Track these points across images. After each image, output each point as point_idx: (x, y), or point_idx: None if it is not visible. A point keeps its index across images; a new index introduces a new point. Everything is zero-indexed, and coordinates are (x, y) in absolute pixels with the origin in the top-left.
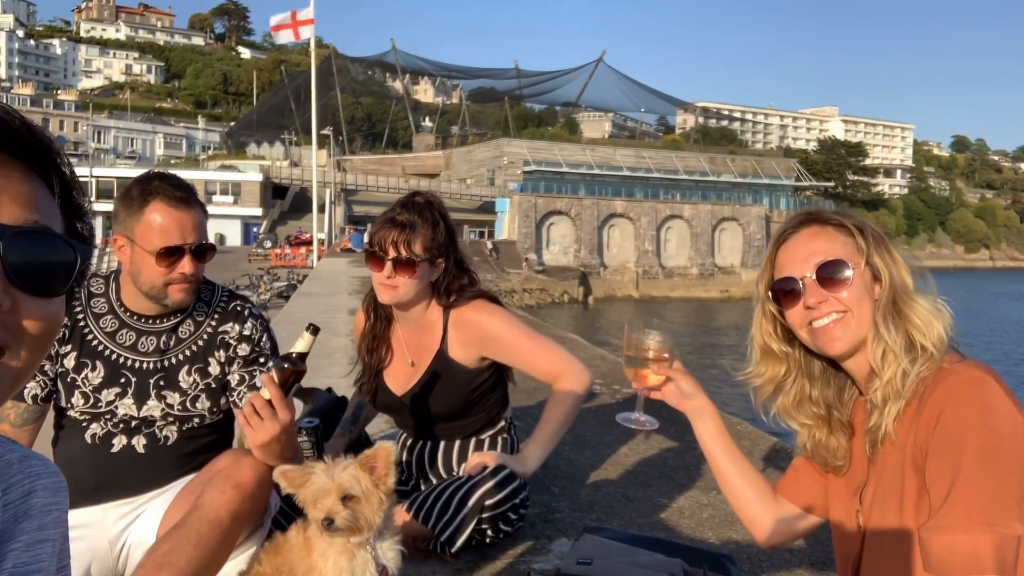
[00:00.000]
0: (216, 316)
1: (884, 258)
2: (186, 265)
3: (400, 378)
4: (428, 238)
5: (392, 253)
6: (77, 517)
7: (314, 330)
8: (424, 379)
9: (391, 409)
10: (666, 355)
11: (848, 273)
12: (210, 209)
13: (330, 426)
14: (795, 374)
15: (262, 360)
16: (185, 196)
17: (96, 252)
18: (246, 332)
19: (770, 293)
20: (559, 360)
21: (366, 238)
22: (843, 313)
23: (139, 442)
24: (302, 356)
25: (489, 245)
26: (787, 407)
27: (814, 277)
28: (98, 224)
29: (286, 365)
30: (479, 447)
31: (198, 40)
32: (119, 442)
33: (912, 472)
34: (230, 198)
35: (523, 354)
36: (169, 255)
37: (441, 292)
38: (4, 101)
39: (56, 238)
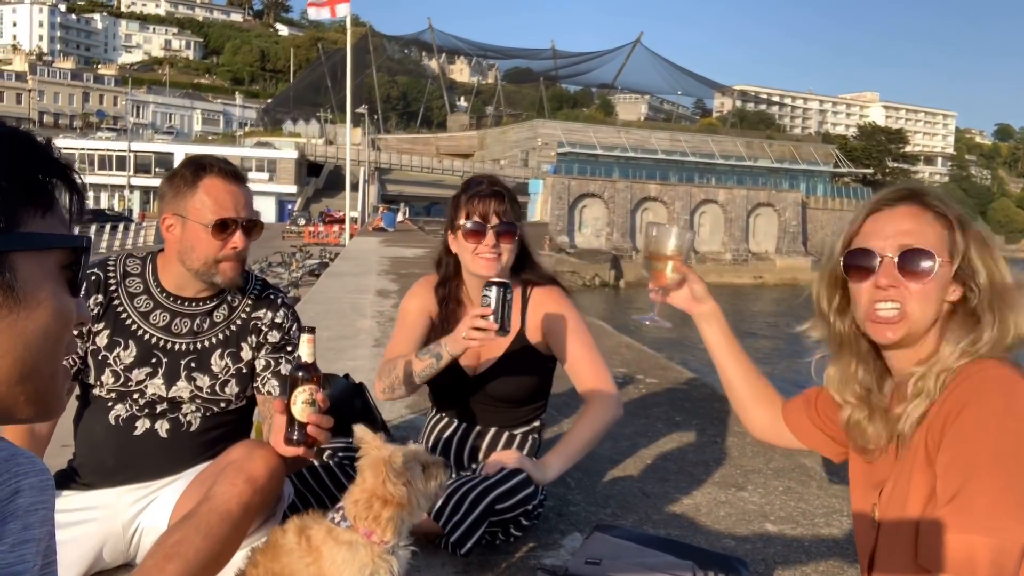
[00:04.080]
0: (250, 302)
1: (985, 260)
2: (238, 239)
3: (474, 358)
4: (515, 207)
5: (494, 220)
6: (93, 499)
7: (310, 330)
8: (503, 360)
9: (449, 386)
10: (681, 256)
11: (929, 267)
12: None
13: (343, 416)
14: (843, 347)
15: (289, 348)
16: (236, 171)
17: (133, 226)
18: (278, 320)
19: (841, 259)
20: (603, 381)
21: (462, 219)
22: (905, 305)
23: (162, 427)
24: (315, 363)
25: None
26: (834, 380)
27: (895, 259)
28: (135, 198)
29: (312, 378)
30: (510, 442)
31: (236, 16)
32: (142, 425)
33: (925, 465)
34: (265, 175)
35: (577, 357)
36: (223, 228)
37: (523, 267)
38: (47, 75)
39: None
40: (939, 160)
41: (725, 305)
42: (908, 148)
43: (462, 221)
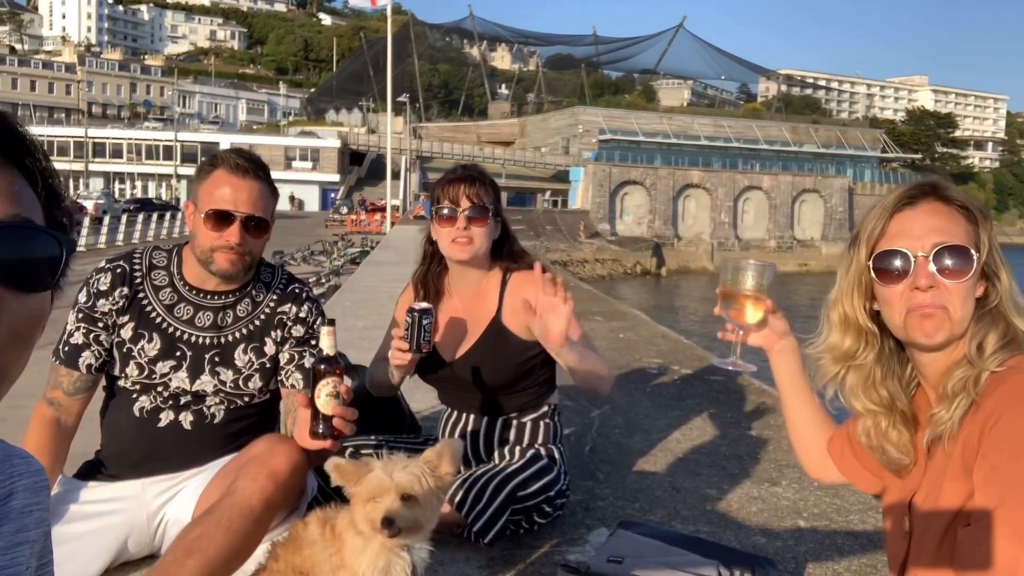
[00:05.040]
0: (275, 297)
1: (999, 254)
2: (233, 233)
3: (452, 345)
4: (492, 191)
5: (465, 204)
6: (118, 490)
7: (330, 322)
8: (477, 344)
9: (440, 380)
10: (763, 293)
11: (970, 264)
12: (289, 175)
13: (371, 406)
14: (868, 356)
15: (313, 343)
16: (247, 167)
17: (179, 215)
18: (302, 314)
19: (870, 264)
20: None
21: (420, 206)
22: (947, 305)
23: (186, 418)
24: (337, 355)
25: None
26: (854, 388)
27: (930, 258)
28: (182, 187)
29: (334, 370)
30: (520, 430)
31: (280, 6)
32: (166, 417)
33: (960, 473)
34: (309, 164)
35: None
36: (217, 218)
37: (503, 253)
38: (95, 66)
39: (40, 231)
40: (989, 145)
41: (769, 294)
42: (958, 133)
43: (435, 207)
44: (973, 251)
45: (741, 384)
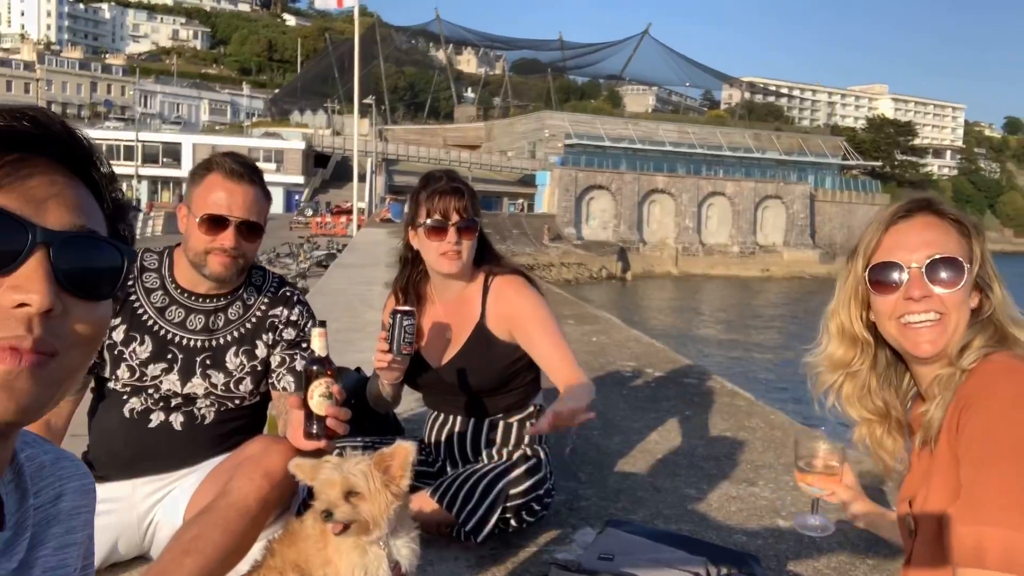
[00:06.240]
0: (267, 300)
1: (992, 267)
2: (227, 237)
3: (437, 351)
4: (476, 201)
5: (455, 218)
6: (108, 491)
7: (321, 323)
8: (463, 350)
9: (426, 385)
10: (835, 464)
11: (962, 275)
12: None
13: (355, 407)
14: (863, 364)
15: (304, 346)
16: (242, 171)
17: (140, 216)
18: (293, 317)
19: (866, 275)
20: (572, 367)
21: (404, 211)
22: (941, 316)
23: (176, 419)
24: (328, 357)
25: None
26: (850, 397)
27: (923, 269)
28: (143, 188)
29: (326, 371)
30: (507, 430)
31: (244, 6)
32: (156, 418)
33: (950, 465)
34: (273, 165)
35: (542, 347)
36: (212, 223)
37: (486, 258)
38: (55, 64)
39: (103, 242)
40: (948, 153)
41: (732, 299)
42: (917, 141)
43: (423, 219)
44: (965, 263)
45: (714, 387)
